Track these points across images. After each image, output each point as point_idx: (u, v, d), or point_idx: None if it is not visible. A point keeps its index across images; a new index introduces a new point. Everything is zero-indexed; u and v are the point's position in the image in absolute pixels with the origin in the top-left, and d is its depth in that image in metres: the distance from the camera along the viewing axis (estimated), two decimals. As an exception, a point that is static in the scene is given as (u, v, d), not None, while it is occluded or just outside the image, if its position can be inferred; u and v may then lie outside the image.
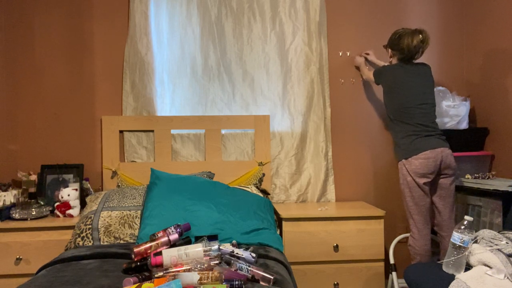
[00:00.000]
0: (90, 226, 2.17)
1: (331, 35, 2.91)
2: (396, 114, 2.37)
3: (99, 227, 2.17)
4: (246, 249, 1.85)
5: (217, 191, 2.32)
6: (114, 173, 2.71)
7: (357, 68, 2.91)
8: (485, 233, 1.84)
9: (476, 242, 1.81)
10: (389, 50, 2.48)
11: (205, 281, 1.38)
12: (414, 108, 2.31)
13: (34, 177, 2.60)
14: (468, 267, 1.76)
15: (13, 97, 2.75)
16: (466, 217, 1.78)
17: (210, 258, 1.58)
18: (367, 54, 2.87)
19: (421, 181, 2.25)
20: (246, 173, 2.77)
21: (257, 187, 2.65)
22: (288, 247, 2.41)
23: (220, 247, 1.66)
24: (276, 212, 2.54)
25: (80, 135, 2.78)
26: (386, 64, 2.59)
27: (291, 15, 2.86)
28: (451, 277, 1.71)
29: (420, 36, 2.31)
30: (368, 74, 2.68)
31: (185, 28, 2.82)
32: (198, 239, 1.88)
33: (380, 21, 2.93)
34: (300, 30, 2.86)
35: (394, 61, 2.47)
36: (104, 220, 2.19)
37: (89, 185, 2.64)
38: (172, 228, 1.82)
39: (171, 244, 1.77)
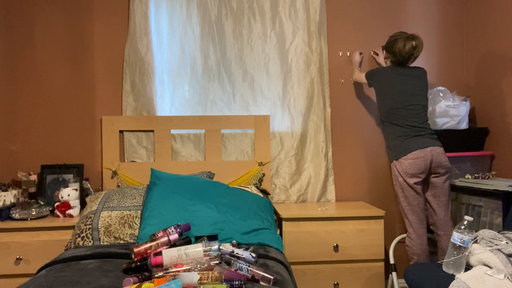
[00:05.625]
0: (90, 226, 2.17)
1: (331, 35, 2.91)
2: (387, 115, 2.40)
3: (99, 227, 2.17)
4: (246, 249, 1.85)
5: (217, 191, 2.32)
6: (114, 173, 2.71)
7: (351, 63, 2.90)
8: (485, 233, 1.84)
9: (476, 242, 1.81)
10: (384, 52, 2.52)
11: (205, 281, 1.38)
12: (403, 109, 2.33)
13: (34, 177, 2.60)
14: (468, 267, 1.76)
15: (13, 97, 2.75)
16: (466, 217, 1.78)
17: (210, 258, 1.58)
18: (376, 54, 2.86)
19: (412, 181, 2.26)
20: (246, 173, 2.77)
21: (257, 187, 2.64)
22: (288, 247, 2.41)
23: (220, 247, 1.66)
24: (276, 212, 2.54)
25: (80, 135, 2.78)
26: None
27: (291, 15, 2.86)
28: (451, 277, 1.71)
29: (413, 42, 2.31)
30: (360, 75, 2.68)
31: (185, 28, 2.82)
32: (198, 239, 1.88)
33: (380, 21, 2.93)
34: (300, 30, 2.86)
35: (388, 63, 2.50)
36: (104, 220, 2.19)
37: (89, 185, 2.64)
38: (172, 228, 1.82)
39: (171, 244, 1.77)
